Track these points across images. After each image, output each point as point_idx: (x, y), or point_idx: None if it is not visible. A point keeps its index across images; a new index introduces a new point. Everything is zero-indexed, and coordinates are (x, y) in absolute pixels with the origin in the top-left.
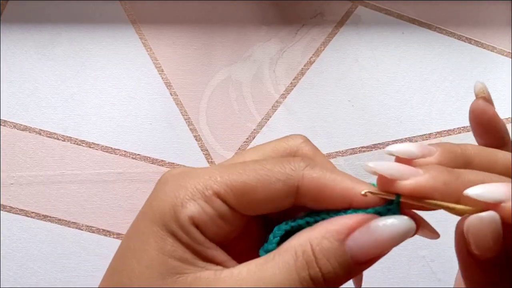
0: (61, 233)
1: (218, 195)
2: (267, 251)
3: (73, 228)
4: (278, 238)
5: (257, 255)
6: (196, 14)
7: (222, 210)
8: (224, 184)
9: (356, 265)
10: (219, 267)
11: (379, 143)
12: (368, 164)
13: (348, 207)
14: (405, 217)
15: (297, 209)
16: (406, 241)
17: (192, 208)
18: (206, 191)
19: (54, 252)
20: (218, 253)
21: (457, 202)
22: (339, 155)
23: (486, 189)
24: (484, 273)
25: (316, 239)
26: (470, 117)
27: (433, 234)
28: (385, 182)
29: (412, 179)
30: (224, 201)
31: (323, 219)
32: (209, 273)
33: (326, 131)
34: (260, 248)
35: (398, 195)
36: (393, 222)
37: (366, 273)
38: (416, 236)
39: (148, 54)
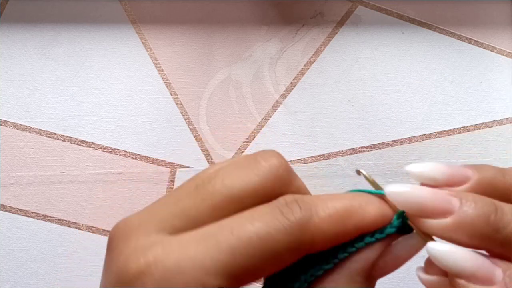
0: (61, 233)
1: None
2: None
3: (73, 228)
4: None
5: None
6: (196, 14)
7: None
8: (224, 275)
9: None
10: None
11: (379, 143)
12: (388, 189)
13: (360, 235)
14: (417, 235)
15: None
16: None
17: None
18: None
19: (54, 252)
20: None
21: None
22: (339, 155)
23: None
24: None
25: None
26: None
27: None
28: (411, 215)
29: (439, 221)
30: None
31: (340, 259)
32: None
33: (326, 131)
34: None
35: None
36: (413, 243)
37: None
38: None
39: (148, 54)
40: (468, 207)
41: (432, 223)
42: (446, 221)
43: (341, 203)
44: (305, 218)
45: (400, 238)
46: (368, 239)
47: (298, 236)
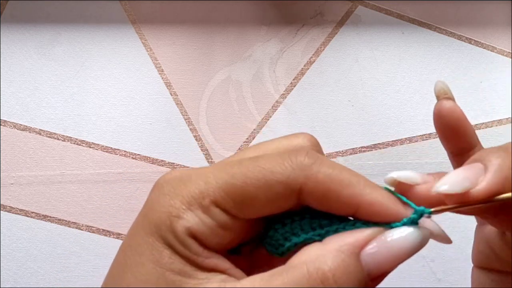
0: (61, 233)
1: (216, 204)
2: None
3: (73, 228)
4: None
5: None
6: (196, 14)
7: (221, 219)
8: (221, 191)
9: (371, 280)
10: (223, 276)
11: (379, 143)
12: (435, 189)
13: (354, 214)
14: (419, 226)
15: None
16: None
17: (190, 219)
18: (203, 200)
19: (54, 252)
20: (220, 261)
21: None
22: (339, 155)
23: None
24: None
25: (330, 253)
26: (435, 120)
27: (446, 240)
28: (457, 198)
29: (483, 183)
30: (223, 209)
31: (333, 230)
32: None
33: (326, 131)
34: (261, 241)
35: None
36: (410, 233)
37: None
38: None
39: (148, 54)
40: (492, 159)
41: (474, 191)
42: (484, 181)
43: (349, 173)
44: (306, 163)
45: (395, 231)
46: (359, 225)
47: (293, 174)
